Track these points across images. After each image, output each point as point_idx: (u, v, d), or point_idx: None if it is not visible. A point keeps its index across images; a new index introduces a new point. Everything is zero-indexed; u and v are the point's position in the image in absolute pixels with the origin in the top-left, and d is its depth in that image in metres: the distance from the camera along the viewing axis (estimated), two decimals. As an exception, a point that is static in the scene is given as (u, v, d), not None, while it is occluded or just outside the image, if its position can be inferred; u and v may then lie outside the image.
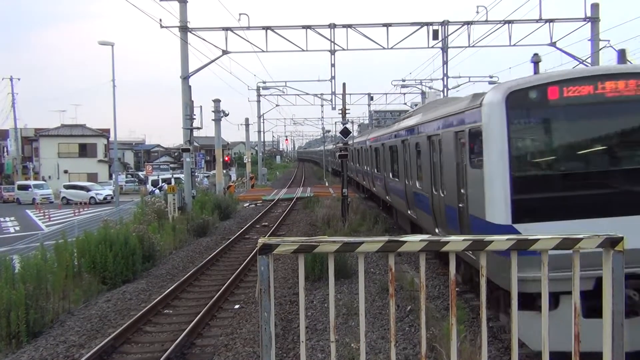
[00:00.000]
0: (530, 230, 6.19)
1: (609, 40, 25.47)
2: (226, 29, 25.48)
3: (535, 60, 9.02)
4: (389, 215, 19.92)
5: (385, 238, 2.70)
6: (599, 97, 6.68)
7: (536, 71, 8.79)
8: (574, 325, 2.65)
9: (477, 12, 25.57)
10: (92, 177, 58.84)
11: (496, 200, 6.79)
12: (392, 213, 18.75)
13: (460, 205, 8.41)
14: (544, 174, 7.15)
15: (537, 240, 2.63)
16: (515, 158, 6.76)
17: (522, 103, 6.80)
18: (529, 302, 5.89)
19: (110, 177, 55.64)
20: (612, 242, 2.54)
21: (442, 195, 9.70)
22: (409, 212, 13.97)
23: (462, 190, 8.32)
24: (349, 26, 26.15)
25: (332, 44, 26.76)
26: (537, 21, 25.47)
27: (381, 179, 19.15)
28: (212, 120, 34.11)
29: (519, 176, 6.75)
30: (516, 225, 6.55)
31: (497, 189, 6.75)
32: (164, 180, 47.34)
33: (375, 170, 20.92)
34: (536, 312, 5.52)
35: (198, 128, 25.74)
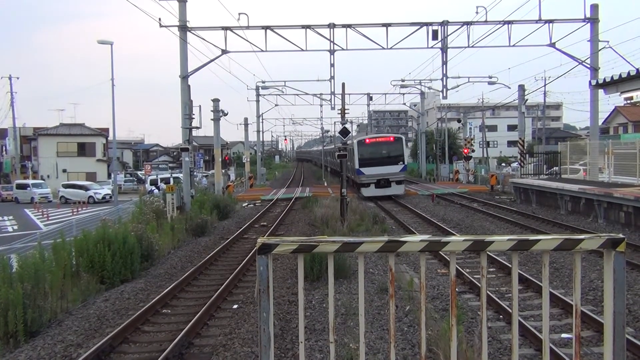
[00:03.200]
0: (362, 169, 33.37)
1: (608, 41, 25.58)
2: (225, 28, 25.51)
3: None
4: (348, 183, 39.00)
5: (385, 238, 2.67)
6: (376, 141, 35.16)
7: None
8: (575, 327, 2.63)
9: (477, 13, 25.77)
10: (91, 177, 58.80)
11: (356, 161, 33.67)
12: (350, 182, 37.30)
13: (354, 166, 33.99)
14: (364, 157, 33.59)
15: (538, 240, 2.60)
16: (359, 154, 33.64)
17: (360, 143, 34.46)
18: (364, 185, 33.49)
19: (109, 176, 55.57)
20: (613, 243, 2.51)
21: (351, 164, 33.76)
22: (349, 174, 32.87)
23: (354, 162, 33.82)
24: (349, 26, 26.16)
25: (332, 43, 26.78)
26: (536, 22, 25.52)
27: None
28: (211, 119, 34.12)
29: (360, 157, 33.61)
30: (361, 168, 33.31)
31: (356, 160, 33.62)
32: (162, 180, 47.29)
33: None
34: (366, 187, 33.39)
35: (197, 127, 25.75)
